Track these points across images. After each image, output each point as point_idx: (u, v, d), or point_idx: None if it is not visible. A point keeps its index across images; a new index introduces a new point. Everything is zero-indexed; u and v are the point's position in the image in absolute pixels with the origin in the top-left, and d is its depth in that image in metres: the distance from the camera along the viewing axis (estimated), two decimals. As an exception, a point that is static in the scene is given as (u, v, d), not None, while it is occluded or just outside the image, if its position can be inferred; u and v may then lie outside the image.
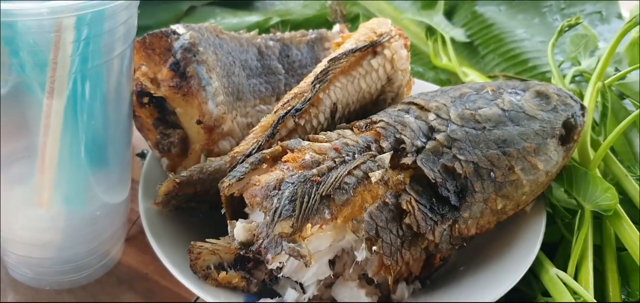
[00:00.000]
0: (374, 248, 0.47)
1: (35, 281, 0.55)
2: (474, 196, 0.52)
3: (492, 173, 0.52)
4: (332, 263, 0.50)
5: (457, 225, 0.51)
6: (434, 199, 0.50)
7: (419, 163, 0.50)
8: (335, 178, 0.47)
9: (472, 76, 0.78)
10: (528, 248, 0.54)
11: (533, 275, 0.54)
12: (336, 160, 0.49)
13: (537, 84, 0.59)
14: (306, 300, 0.49)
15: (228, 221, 0.51)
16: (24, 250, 0.53)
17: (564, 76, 0.73)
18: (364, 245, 0.47)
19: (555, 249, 0.59)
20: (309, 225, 0.45)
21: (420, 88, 0.69)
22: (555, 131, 0.55)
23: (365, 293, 0.49)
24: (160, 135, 0.58)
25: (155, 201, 0.54)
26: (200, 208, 0.56)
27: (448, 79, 0.82)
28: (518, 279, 0.50)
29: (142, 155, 0.72)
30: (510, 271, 0.51)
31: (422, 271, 0.51)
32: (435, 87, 0.73)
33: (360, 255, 0.48)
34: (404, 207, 0.49)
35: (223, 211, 0.51)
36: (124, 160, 0.55)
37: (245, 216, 0.51)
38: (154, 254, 0.50)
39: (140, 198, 0.56)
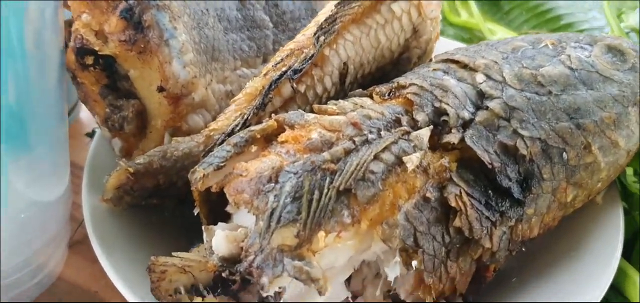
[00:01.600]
0: (414, 263, 0.34)
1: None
2: (541, 185, 0.39)
3: (564, 153, 0.39)
4: (347, 279, 0.38)
5: (519, 226, 0.38)
6: (490, 191, 0.37)
7: (468, 141, 0.38)
8: (357, 165, 0.35)
9: (500, 34, 0.66)
10: (605, 254, 0.42)
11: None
12: (356, 139, 0.37)
13: (606, 37, 0.47)
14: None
15: (203, 226, 0.38)
16: None
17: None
18: (397, 258, 0.34)
19: (631, 247, 0.47)
20: (323, 233, 0.34)
21: (445, 47, 0.56)
22: (638, 97, 0.43)
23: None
24: (109, 107, 0.47)
25: (103, 197, 0.44)
26: (163, 205, 0.45)
27: (469, 38, 0.69)
28: (598, 299, 0.39)
29: (92, 135, 0.58)
30: (585, 286, 0.40)
31: (469, 287, 0.39)
32: (464, 46, 0.60)
33: (392, 271, 0.35)
34: (453, 204, 0.35)
35: (196, 211, 0.40)
36: (55, 142, 0.43)
37: (227, 217, 0.40)
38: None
39: (84, 193, 0.46)
